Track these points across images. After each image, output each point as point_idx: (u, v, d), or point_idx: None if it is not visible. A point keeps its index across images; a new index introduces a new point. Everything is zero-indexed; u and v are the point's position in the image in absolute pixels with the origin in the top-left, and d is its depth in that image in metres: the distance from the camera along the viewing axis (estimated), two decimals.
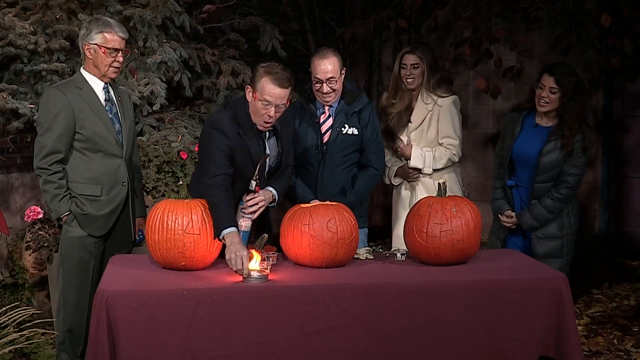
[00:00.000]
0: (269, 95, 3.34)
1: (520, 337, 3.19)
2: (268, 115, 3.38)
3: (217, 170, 3.35)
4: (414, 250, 3.46)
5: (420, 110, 4.35)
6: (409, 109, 4.38)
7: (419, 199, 3.66)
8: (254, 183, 3.44)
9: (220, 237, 3.24)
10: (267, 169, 3.58)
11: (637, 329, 4.85)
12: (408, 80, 4.33)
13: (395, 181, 4.46)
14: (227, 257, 3.17)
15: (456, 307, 3.15)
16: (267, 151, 3.55)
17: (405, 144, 4.36)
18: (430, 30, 5.56)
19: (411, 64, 4.31)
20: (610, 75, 5.96)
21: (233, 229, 3.24)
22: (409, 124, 4.37)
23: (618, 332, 4.80)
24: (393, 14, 6.01)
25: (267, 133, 3.54)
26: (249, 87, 3.43)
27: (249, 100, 3.43)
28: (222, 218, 3.25)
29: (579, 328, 4.61)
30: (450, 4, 5.40)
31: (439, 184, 3.59)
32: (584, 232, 6.25)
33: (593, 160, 6.36)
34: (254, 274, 3.13)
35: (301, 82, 6.65)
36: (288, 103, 3.43)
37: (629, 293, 5.52)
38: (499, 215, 4.19)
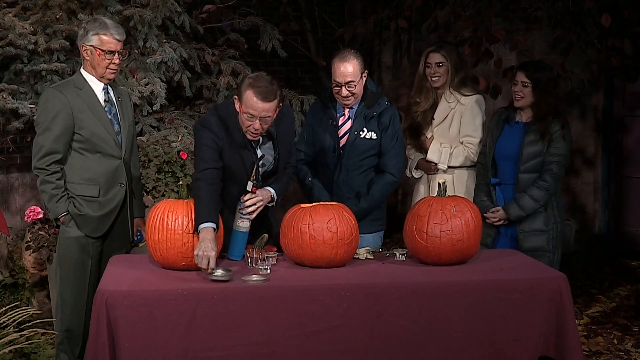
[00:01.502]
0: (252, 109, 3.31)
1: (520, 337, 3.19)
2: (254, 128, 3.36)
3: (204, 164, 3.36)
4: (414, 250, 3.46)
5: (443, 108, 4.37)
6: (434, 107, 4.39)
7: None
8: (250, 184, 3.43)
9: (198, 232, 3.20)
10: (261, 172, 3.55)
11: (637, 329, 4.85)
12: (433, 78, 4.34)
13: (416, 174, 4.48)
14: (194, 252, 3.14)
15: (456, 307, 3.15)
16: (259, 151, 3.52)
17: (428, 137, 4.40)
18: (430, 30, 5.56)
19: (436, 63, 4.32)
20: (610, 75, 5.96)
21: (210, 224, 3.19)
22: (433, 121, 4.39)
23: (618, 332, 4.80)
24: (393, 14, 6.01)
25: (261, 139, 3.52)
26: (236, 97, 3.41)
27: (237, 110, 3.41)
28: (201, 212, 3.23)
29: (579, 328, 4.61)
30: (450, 4, 5.40)
31: (438, 183, 3.60)
32: (584, 232, 6.26)
33: (593, 160, 6.37)
34: (253, 277, 3.14)
35: (301, 81, 6.68)
36: (275, 114, 3.40)
37: (629, 293, 5.52)
38: (484, 214, 4.14)
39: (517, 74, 4.15)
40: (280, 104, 3.42)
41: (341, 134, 3.93)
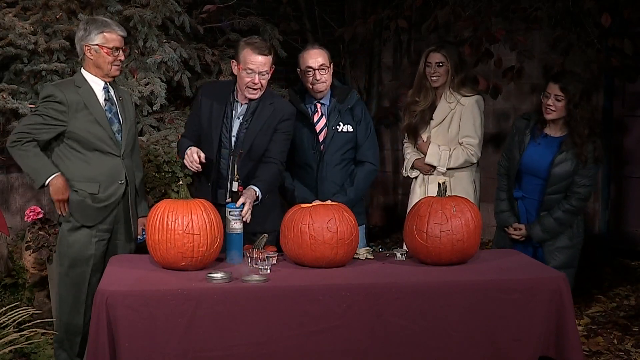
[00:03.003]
0: (251, 64, 3.62)
1: (520, 337, 3.19)
2: (253, 82, 3.65)
3: (185, 134, 3.91)
4: (414, 250, 3.46)
5: (442, 108, 4.37)
6: (433, 107, 4.39)
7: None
8: (235, 184, 3.49)
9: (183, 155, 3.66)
10: (233, 142, 3.73)
11: (637, 329, 4.85)
12: (432, 78, 4.34)
13: (412, 174, 4.48)
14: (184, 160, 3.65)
15: (456, 307, 3.15)
16: (237, 120, 3.74)
17: (424, 140, 4.39)
18: (430, 30, 5.56)
19: (436, 62, 4.32)
20: (610, 75, 5.96)
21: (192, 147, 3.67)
22: (431, 121, 4.39)
23: (618, 332, 4.80)
24: (393, 14, 6.01)
25: (241, 107, 3.74)
26: (233, 60, 3.71)
27: (235, 73, 3.70)
28: (183, 150, 3.70)
29: (579, 328, 4.61)
30: (450, 4, 5.40)
31: (439, 183, 3.60)
32: (584, 232, 6.25)
33: None
34: (253, 277, 3.15)
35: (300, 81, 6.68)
36: (271, 71, 3.69)
37: (629, 293, 5.52)
38: (506, 228, 4.14)
39: (550, 85, 3.96)
40: (273, 66, 3.70)
41: (318, 130, 4.00)
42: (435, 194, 4.11)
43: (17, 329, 3.42)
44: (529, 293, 3.20)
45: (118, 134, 3.71)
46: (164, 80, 5.15)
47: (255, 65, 3.62)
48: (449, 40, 5.17)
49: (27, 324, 3.36)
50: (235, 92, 3.77)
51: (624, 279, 5.83)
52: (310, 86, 3.96)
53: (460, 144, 4.35)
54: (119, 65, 3.69)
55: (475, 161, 4.38)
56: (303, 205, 3.44)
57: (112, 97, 3.73)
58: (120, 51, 3.66)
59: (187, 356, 2.99)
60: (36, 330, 3.36)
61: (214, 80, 4.00)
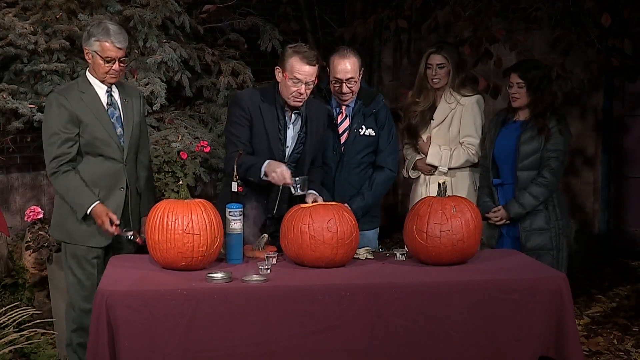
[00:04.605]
0: (298, 73, 3.53)
1: (520, 337, 3.19)
2: (298, 92, 3.57)
3: (238, 144, 3.63)
4: (414, 250, 3.46)
5: (442, 108, 4.37)
6: (433, 108, 4.40)
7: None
8: (235, 184, 3.46)
9: (261, 175, 3.52)
10: (289, 153, 3.67)
11: (637, 329, 4.85)
12: (434, 80, 4.35)
13: (413, 174, 4.49)
14: (270, 177, 3.49)
15: (456, 307, 3.15)
16: (289, 130, 3.67)
17: (425, 141, 4.40)
18: (430, 30, 5.56)
19: (437, 64, 4.32)
20: (610, 75, 5.96)
21: (266, 161, 3.53)
22: (432, 121, 4.39)
23: (618, 332, 4.80)
24: (393, 14, 6.01)
25: (293, 116, 3.67)
26: (278, 67, 3.60)
27: (279, 80, 3.61)
28: (255, 164, 3.54)
29: (579, 328, 4.62)
30: (450, 4, 5.40)
31: (439, 183, 3.60)
32: (584, 232, 6.26)
33: (593, 160, 6.37)
34: (253, 277, 3.15)
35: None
36: (317, 80, 3.62)
37: (629, 293, 5.53)
38: (486, 214, 4.17)
39: (511, 75, 4.16)
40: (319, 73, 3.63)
41: (341, 132, 3.98)
42: (436, 194, 4.11)
43: (17, 329, 3.43)
44: (529, 293, 3.20)
45: (120, 138, 3.70)
46: (164, 80, 5.14)
47: (302, 76, 3.54)
48: (448, 41, 5.18)
49: (27, 324, 3.36)
50: (281, 100, 3.66)
51: (624, 279, 5.83)
52: (336, 94, 3.93)
53: (461, 143, 4.35)
54: (113, 75, 3.64)
55: (476, 160, 4.39)
56: (303, 205, 3.45)
57: (115, 102, 3.72)
58: (116, 62, 3.61)
59: (187, 356, 2.99)
60: (36, 330, 3.37)
61: (248, 89, 4.02)
